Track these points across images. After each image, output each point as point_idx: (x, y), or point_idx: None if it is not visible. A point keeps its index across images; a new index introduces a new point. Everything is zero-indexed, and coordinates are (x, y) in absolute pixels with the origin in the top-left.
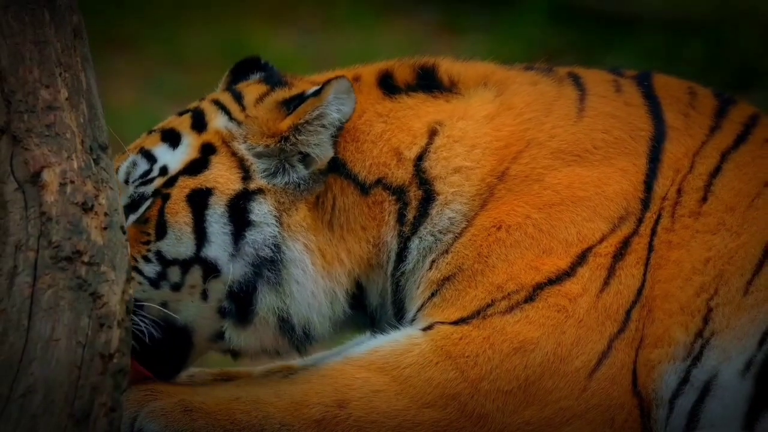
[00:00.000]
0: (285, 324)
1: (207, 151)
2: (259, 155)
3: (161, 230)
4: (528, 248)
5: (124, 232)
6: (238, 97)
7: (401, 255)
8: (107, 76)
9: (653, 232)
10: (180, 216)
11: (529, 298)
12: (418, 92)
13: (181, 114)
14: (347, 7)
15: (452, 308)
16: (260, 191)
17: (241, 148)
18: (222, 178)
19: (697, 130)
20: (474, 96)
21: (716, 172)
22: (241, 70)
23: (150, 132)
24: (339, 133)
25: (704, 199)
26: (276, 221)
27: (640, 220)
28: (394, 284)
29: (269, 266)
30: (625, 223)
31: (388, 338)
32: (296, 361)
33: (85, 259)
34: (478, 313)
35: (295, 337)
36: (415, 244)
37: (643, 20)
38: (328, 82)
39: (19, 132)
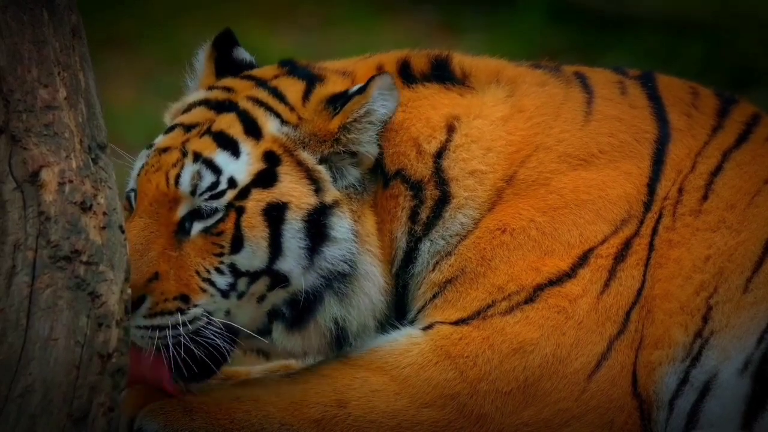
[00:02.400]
0: (341, 331)
1: (271, 161)
2: (320, 161)
3: (237, 244)
4: (530, 250)
5: (122, 232)
6: (280, 96)
7: (410, 256)
8: (106, 76)
9: (654, 232)
10: (257, 230)
11: (530, 299)
12: (432, 83)
13: (216, 110)
14: (346, 6)
15: (452, 309)
16: (336, 204)
17: (304, 156)
18: (295, 191)
19: (700, 131)
20: (487, 93)
21: (717, 170)
22: (223, 44)
23: (186, 128)
24: (383, 130)
25: (705, 198)
26: (354, 236)
27: (641, 222)
28: (401, 285)
29: (341, 279)
30: (627, 226)
31: (388, 338)
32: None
33: (84, 258)
34: (478, 314)
35: (343, 340)
36: (426, 246)
37: (643, 20)
38: (372, 78)
39: (18, 131)
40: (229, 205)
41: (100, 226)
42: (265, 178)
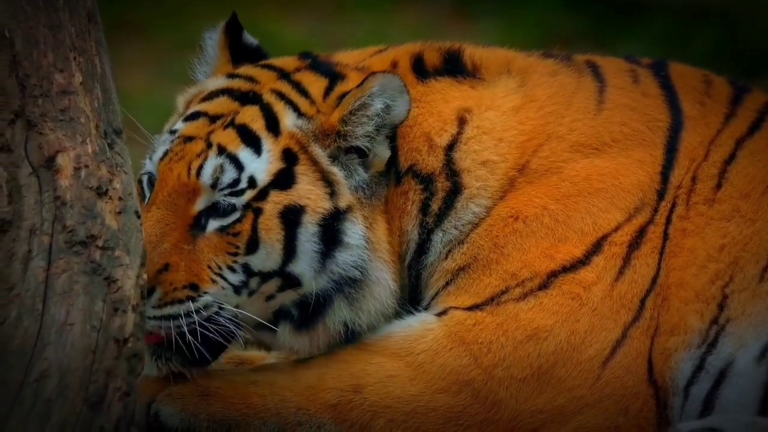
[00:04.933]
0: (351, 333)
1: (289, 159)
2: (331, 158)
3: (252, 245)
4: (543, 237)
5: (138, 217)
6: (304, 91)
7: (423, 247)
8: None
9: (668, 221)
10: (273, 233)
11: (543, 286)
12: (444, 77)
13: (240, 101)
14: None
15: (466, 295)
16: (350, 209)
17: (317, 153)
18: (312, 194)
19: (713, 119)
20: (498, 84)
21: (731, 159)
22: (233, 30)
23: (211, 119)
24: (393, 133)
25: (719, 186)
26: (366, 242)
27: (655, 210)
28: (414, 276)
29: (352, 284)
30: (641, 213)
31: (403, 323)
32: None
33: (100, 243)
34: (492, 300)
35: (353, 341)
36: (438, 237)
37: (655, 6)
38: (373, 74)
39: (34, 116)
40: (247, 206)
41: (116, 211)
42: (284, 178)
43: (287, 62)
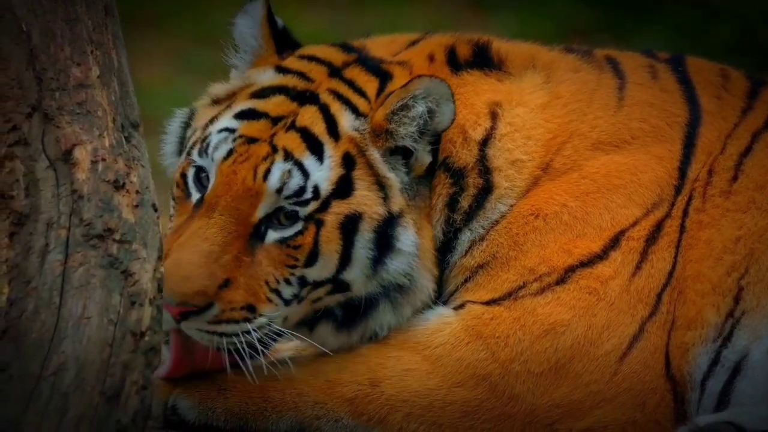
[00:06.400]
0: (384, 333)
1: (348, 165)
2: (383, 160)
3: (312, 258)
4: (562, 234)
5: (155, 210)
6: (361, 91)
7: (448, 245)
8: (137, 54)
9: (685, 213)
10: (333, 244)
11: (561, 280)
12: (474, 69)
13: (298, 101)
14: None
15: (484, 290)
16: (402, 213)
17: (373, 155)
18: (368, 200)
19: (730, 113)
20: (524, 79)
21: (747, 151)
22: (271, 18)
23: (273, 120)
24: (436, 140)
25: (735, 179)
26: (416, 249)
27: (672, 205)
28: (438, 273)
29: (399, 290)
30: (659, 209)
31: (420, 318)
32: None
33: (117, 237)
34: (510, 295)
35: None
36: (466, 236)
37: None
38: (419, 77)
39: (51, 110)
40: (310, 217)
41: (133, 204)
42: (344, 186)
43: (331, 54)
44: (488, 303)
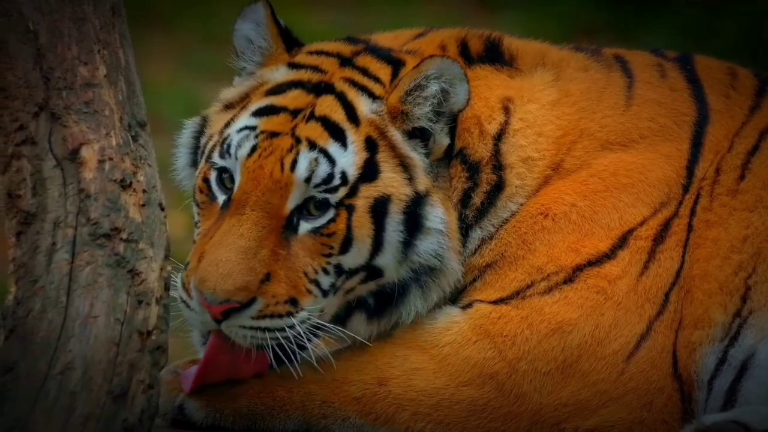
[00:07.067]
0: (411, 320)
1: (371, 148)
2: (405, 140)
3: (347, 245)
4: (570, 233)
5: (162, 209)
6: (374, 77)
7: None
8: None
9: (692, 212)
10: (365, 229)
11: (569, 280)
12: (486, 64)
13: (314, 92)
14: None
15: (491, 289)
16: (428, 192)
17: (395, 136)
18: (395, 181)
19: (738, 111)
20: (534, 76)
21: (754, 150)
22: (275, 17)
23: (292, 114)
24: (453, 122)
25: (742, 177)
26: (445, 227)
27: (680, 204)
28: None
29: (429, 273)
30: (667, 208)
31: (428, 316)
32: None
33: (124, 236)
34: (517, 294)
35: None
36: (477, 234)
37: None
38: (431, 56)
39: (58, 109)
40: (340, 203)
41: (140, 203)
42: (369, 170)
43: (339, 47)
44: (496, 302)
